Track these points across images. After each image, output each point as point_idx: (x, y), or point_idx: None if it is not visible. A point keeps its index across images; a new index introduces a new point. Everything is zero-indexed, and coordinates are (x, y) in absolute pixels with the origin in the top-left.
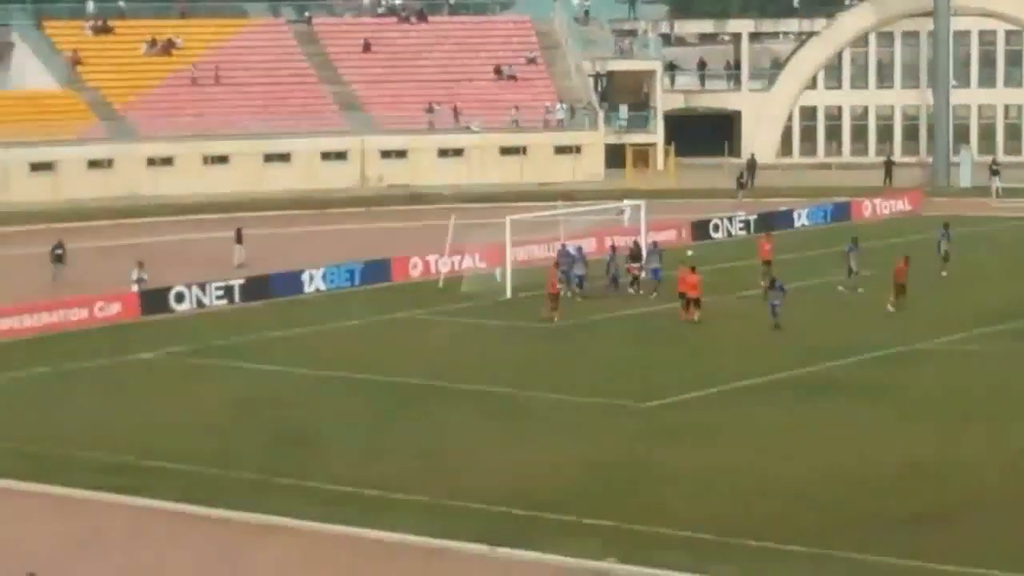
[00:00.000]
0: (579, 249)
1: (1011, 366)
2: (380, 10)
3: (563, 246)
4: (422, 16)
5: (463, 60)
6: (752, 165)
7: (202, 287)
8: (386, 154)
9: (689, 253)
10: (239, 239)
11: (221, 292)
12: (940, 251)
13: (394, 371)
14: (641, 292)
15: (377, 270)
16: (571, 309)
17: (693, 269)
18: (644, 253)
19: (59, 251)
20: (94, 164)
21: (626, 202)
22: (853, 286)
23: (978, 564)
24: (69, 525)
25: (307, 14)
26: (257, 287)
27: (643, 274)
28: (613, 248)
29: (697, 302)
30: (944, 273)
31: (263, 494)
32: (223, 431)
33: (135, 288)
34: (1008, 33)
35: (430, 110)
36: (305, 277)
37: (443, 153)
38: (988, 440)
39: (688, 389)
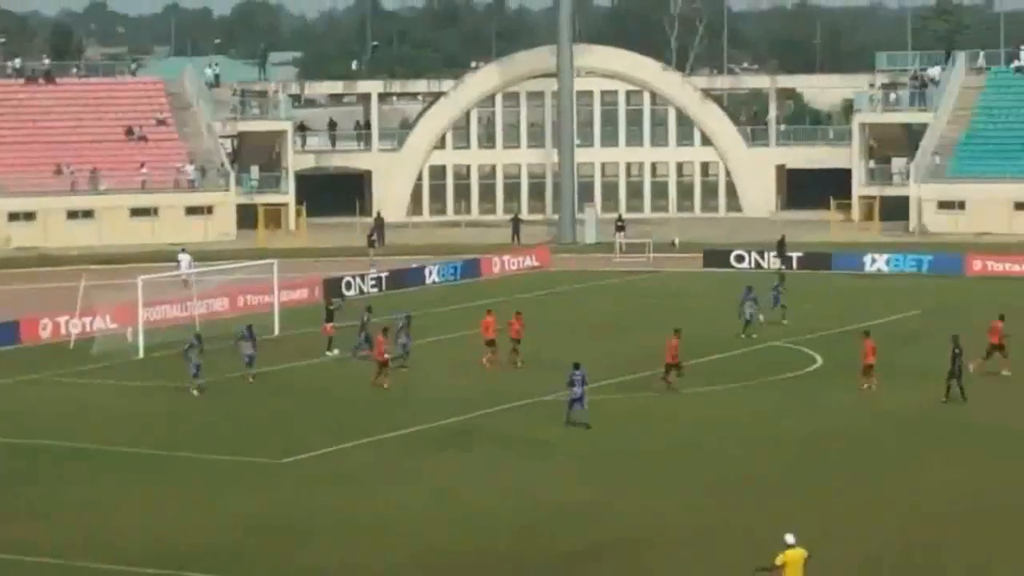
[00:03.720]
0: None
1: (640, 413)
2: (8, 71)
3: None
4: (50, 78)
5: (93, 121)
6: (380, 223)
7: None
8: (14, 216)
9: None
10: None
11: None
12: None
13: (24, 434)
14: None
15: (4, 332)
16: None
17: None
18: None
19: None
20: None
21: (183, 253)
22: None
23: None
24: None
25: None
26: None
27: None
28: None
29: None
30: (785, 321)
31: None
32: None
33: None
34: (629, 93)
35: (59, 172)
36: None
37: (73, 215)
38: (634, 485)
39: (330, 443)
